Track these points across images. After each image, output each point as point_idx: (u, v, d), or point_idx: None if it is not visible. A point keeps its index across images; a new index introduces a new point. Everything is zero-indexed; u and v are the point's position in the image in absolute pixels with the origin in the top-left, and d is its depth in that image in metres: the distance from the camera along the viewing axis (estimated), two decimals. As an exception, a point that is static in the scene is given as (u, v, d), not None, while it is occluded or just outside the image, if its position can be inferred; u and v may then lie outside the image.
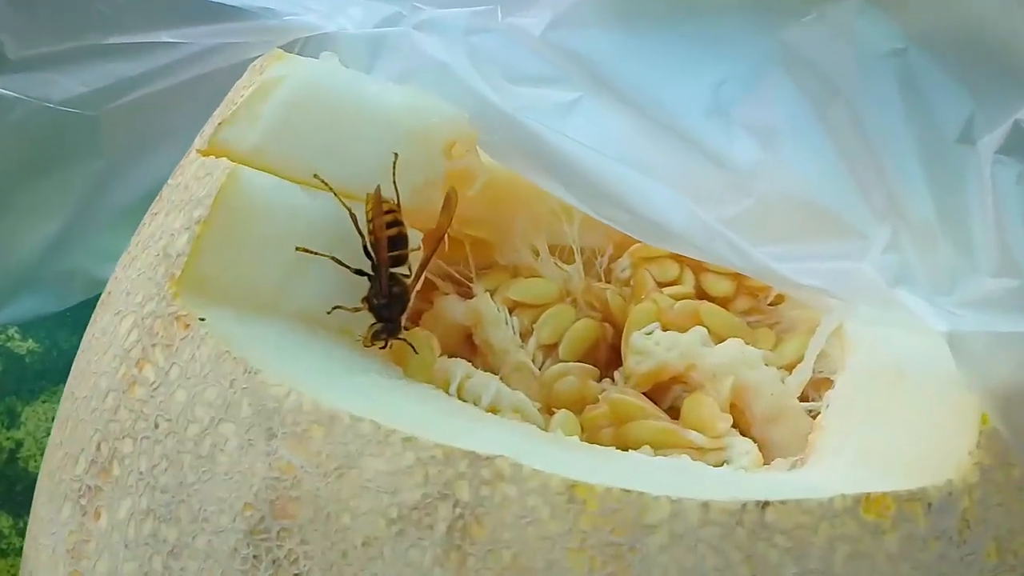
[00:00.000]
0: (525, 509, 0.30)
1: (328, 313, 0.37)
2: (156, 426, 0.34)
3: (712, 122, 0.39)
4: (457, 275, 0.45)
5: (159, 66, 0.45)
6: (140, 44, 0.45)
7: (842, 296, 0.36)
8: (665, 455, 0.37)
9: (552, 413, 0.40)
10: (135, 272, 0.38)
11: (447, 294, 0.45)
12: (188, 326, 0.35)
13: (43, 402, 0.56)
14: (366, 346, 0.38)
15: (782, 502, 0.30)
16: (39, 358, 0.57)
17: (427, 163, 0.40)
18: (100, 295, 0.50)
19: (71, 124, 0.46)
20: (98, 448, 0.35)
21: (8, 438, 0.56)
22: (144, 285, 0.37)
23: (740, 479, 0.35)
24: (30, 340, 0.57)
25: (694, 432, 0.38)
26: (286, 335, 0.36)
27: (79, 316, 0.52)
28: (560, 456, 0.34)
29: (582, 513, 0.30)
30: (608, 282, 0.46)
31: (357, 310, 0.38)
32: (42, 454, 0.53)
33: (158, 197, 0.40)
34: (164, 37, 0.44)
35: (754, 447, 0.38)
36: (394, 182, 0.39)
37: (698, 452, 0.38)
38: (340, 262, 0.37)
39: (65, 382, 0.54)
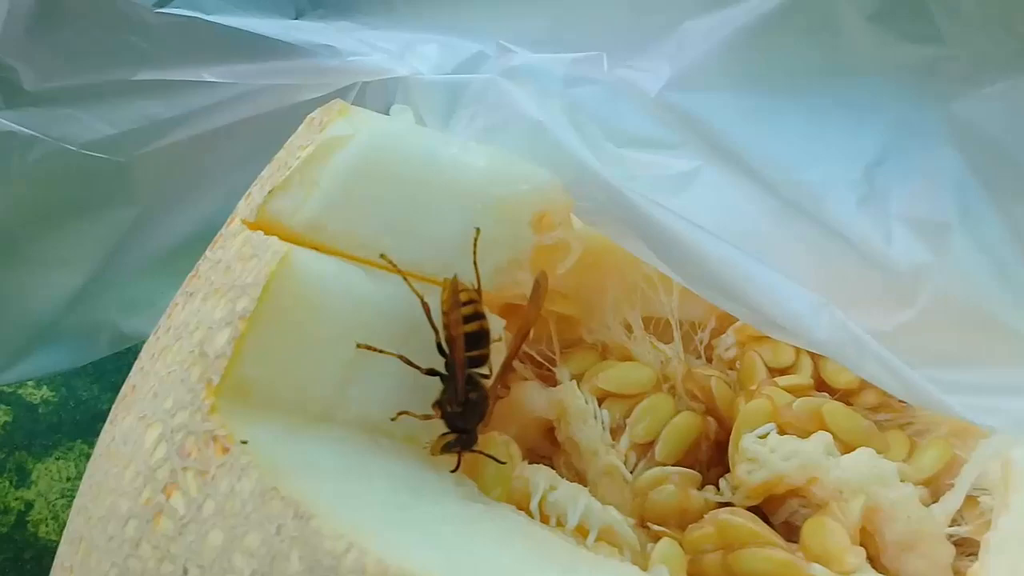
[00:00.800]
0: None
1: (392, 420, 0.33)
2: (185, 572, 0.29)
3: (865, 211, 0.34)
4: (537, 357, 0.40)
5: (198, 108, 0.39)
6: (177, 83, 0.39)
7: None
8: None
9: (645, 525, 0.36)
10: (164, 368, 0.32)
11: (526, 379, 0.40)
12: (227, 450, 0.29)
13: (57, 459, 0.51)
14: (433, 455, 0.33)
15: None
16: (54, 409, 0.52)
17: (513, 238, 0.35)
18: (126, 349, 0.45)
19: (96, 167, 0.41)
20: (115, 589, 0.30)
21: (17, 498, 0.51)
22: (175, 387, 0.31)
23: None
24: (44, 388, 0.52)
25: (818, 566, 0.33)
26: (344, 452, 0.31)
27: (99, 363, 0.48)
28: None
29: None
30: (709, 360, 0.42)
31: (427, 418, 0.33)
32: (54, 519, 0.49)
33: (194, 272, 0.34)
34: (205, 76, 0.38)
35: (890, 587, 0.33)
36: (475, 263, 0.34)
37: (823, 589, 0.33)
38: (408, 361, 0.32)
39: (83, 437, 0.50)
